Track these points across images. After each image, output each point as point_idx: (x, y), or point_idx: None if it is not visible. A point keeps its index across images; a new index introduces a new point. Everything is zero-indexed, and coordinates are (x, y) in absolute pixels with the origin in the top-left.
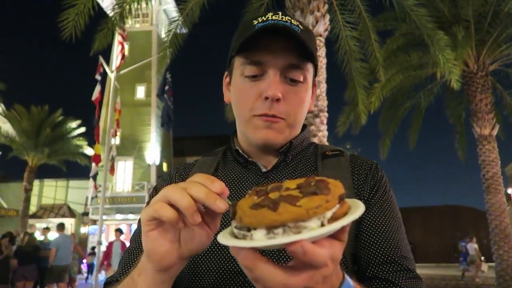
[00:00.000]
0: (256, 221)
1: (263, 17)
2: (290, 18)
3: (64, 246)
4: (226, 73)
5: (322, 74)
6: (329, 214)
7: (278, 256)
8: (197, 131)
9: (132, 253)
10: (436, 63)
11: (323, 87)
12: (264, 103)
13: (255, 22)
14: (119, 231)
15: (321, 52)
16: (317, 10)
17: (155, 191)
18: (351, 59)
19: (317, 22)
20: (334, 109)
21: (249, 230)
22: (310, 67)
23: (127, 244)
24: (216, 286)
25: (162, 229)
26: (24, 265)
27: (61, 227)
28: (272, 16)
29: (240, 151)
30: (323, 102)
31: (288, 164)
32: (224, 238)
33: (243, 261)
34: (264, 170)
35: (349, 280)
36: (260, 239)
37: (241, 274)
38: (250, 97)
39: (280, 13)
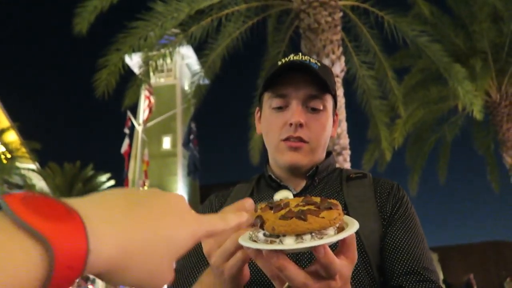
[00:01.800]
0: (290, 229)
1: (287, 58)
2: (309, 57)
3: None
4: (257, 108)
5: (342, 113)
6: (337, 225)
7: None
8: (224, 178)
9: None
10: (457, 96)
11: (343, 126)
12: (289, 129)
13: (280, 62)
14: None
15: (340, 92)
16: (332, 53)
17: None
18: (370, 97)
19: (333, 64)
20: (358, 147)
21: (277, 237)
22: (328, 98)
23: None
24: None
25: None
26: None
27: (87, 280)
28: (293, 56)
29: (273, 177)
30: (345, 140)
31: (315, 187)
32: (258, 245)
33: (277, 262)
34: (294, 192)
35: None
36: (291, 244)
37: (261, 284)
38: (277, 126)
39: (300, 53)
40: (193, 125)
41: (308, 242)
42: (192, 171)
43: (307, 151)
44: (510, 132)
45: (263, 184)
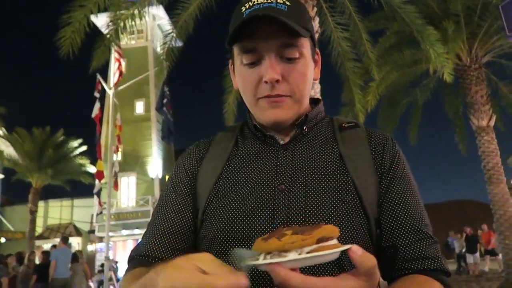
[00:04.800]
0: (256, 249)
1: (250, 2)
2: None
3: (63, 259)
4: (230, 61)
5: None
6: (306, 249)
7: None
8: None
9: (158, 222)
10: (429, 59)
11: (317, 88)
12: (266, 86)
13: (243, 9)
14: (63, 240)
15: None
16: None
17: (176, 167)
18: (344, 59)
19: None
20: (332, 110)
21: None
22: (304, 41)
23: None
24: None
25: None
26: (43, 282)
27: (64, 240)
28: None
29: (258, 126)
30: None
31: (305, 136)
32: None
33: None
34: (282, 142)
35: None
36: (259, 261)
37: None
38: (252, 83)
39: None
40: (166, 89)
41: (268, 259)
42: (167, 135)
43: (291, 104)
44: (478, 94)
45: (247, 134)
